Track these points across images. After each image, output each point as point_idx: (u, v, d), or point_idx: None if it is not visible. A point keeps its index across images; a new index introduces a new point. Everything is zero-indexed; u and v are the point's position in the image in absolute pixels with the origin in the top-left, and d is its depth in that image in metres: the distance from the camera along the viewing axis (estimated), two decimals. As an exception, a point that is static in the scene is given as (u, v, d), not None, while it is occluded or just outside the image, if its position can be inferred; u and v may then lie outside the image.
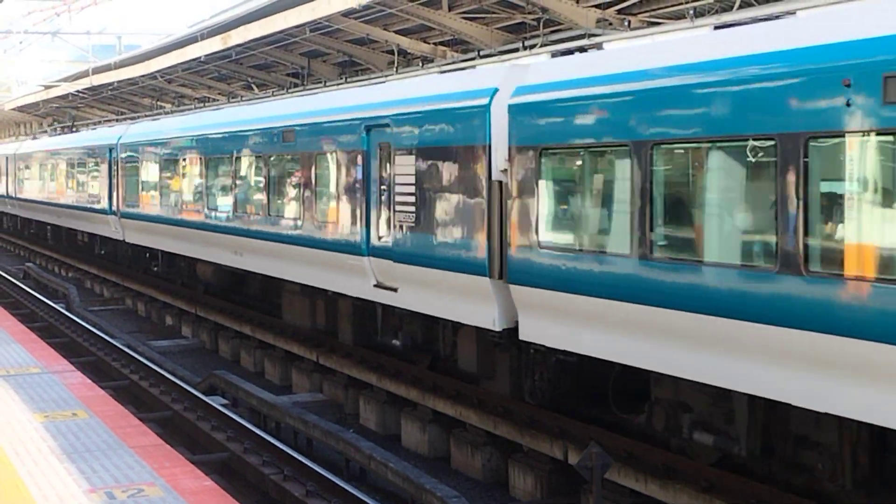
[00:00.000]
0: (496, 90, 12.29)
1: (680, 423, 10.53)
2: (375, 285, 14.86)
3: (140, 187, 26.09)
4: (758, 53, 9.05)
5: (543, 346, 11.88)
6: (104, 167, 29.20)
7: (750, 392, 9.24)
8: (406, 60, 25.55)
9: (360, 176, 15.10)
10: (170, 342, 23.57)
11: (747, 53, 9.15)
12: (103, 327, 24.60)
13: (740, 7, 16.01)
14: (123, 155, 27.47)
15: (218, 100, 37.61)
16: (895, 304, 7.77)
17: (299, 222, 17.16)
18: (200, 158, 21.82)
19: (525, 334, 12.01)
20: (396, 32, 24.23)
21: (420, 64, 24.18)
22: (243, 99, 34.52)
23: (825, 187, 8.49)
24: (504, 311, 12.30)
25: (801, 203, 8.45)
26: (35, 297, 28.06)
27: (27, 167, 41.33)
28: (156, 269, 27.08)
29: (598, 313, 10.73)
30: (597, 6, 19.01)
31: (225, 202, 20.56)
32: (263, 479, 12.67)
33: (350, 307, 16.66)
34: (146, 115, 42.40)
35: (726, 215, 9.44)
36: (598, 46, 16.34)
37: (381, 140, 14.60)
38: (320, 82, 28.80)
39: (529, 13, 20.32)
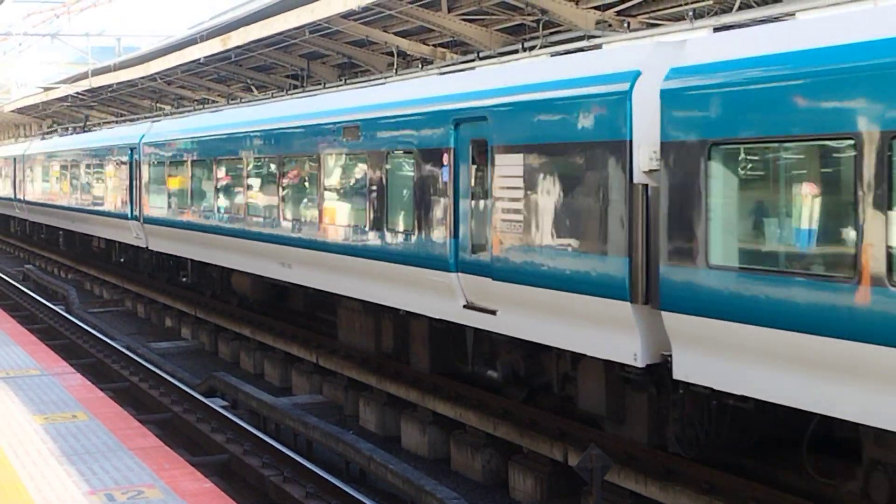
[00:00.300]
0: (638, 73, 10.22)
1: None
2: (465, 306, 12.77)
3: (167, 191, 23.88)
4: None
5: (709, 388, 9.50)
6: (125, 169, 27.06)
7: None
8: (405, 62, 25.57)
9: (445, 178, 13.10)
10: (169, 344, 23.54)
11: None
12: (103, 329, 24.56)
13: (739, 9, 16.00)
14: (147, 155, 25.36)
15: (217, 101, 37.61)
16: None
17: (366, 231, 14.93)
18: (239, 158, 19.71)
19: (683, 374, 9.66)
20: (396, 34, 24.24)
21: (420, 65, 24.19)
22: (242, 101, 34.51)
23: None
24: (649, 343, 10.10)
25: None
26: (35, 298, 28.06)
27: (37, 169, 39.14)
28: (185, 279, 25.41)
29: (800, 354, 8.50)
30: (596, 8, 19.01)
31: (270, 207, 18.34)
32: (263, 480, 12.68)
33: (426, 329, 14.58)
34: (147, 116, 42.33)
35: None
36: (597, 48, 16.34)
37: (474, 136, 12.57)
38: (320, 84, 28.82)
39: (529, 15, 20.32)
